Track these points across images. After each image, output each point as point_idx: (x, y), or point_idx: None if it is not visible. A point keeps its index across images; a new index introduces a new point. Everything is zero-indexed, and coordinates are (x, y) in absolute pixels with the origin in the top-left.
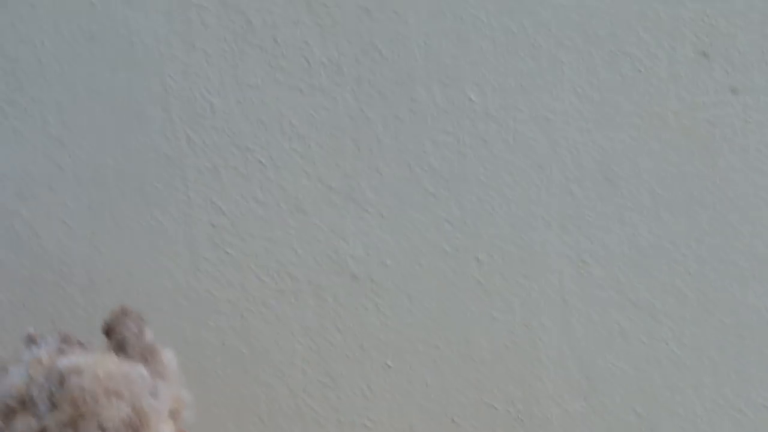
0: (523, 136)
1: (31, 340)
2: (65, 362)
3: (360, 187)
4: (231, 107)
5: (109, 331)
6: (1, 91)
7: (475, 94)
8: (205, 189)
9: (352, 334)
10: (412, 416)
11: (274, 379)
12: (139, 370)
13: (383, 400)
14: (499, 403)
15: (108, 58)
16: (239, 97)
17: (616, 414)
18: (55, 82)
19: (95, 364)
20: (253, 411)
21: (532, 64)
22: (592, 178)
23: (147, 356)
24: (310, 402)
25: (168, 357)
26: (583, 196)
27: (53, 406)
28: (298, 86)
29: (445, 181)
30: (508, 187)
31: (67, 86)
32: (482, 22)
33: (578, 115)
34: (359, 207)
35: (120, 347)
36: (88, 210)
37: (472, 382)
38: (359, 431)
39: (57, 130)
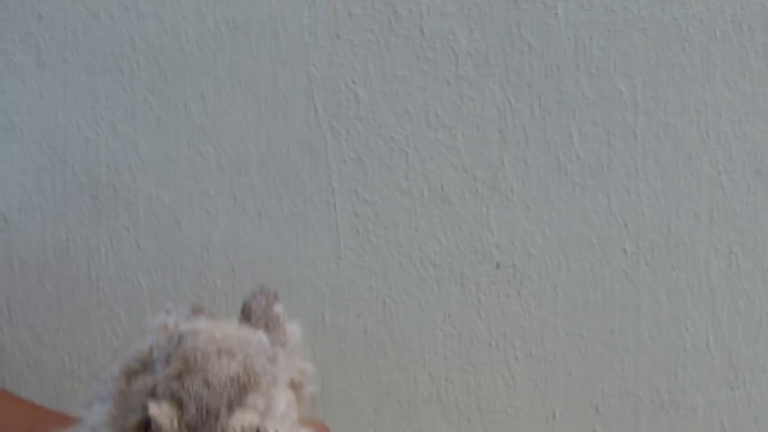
0: (672, 128)
1: (165, 312)
2: (187, 326)
3: (505, 177)
4: (376, 97)
5: (242, 308)
6: (144, 80)
7: (624, 85)
8: (348, 179)
9: (495, 323)
10: (554, 404)
11: (416, 366)
12: (259, 335)
13: (525, 388)
14: (643, 392)
15: (252, 48)
16: (384, 87)
17: (761, 403)
18: (198, 72)
19: (214, 327)
20: (394, 397)
21: (683, 57)
22: (742, 170)
23: (270, 325)
24: (451, 389)
25: (293, 329)
26: (733, 188)
27: (167, 364)
28: (444, 77)
29: (592, 172)
30: (657, 179)
31: (210, 75)
32: (633, 14)
33: (729, 108)
34: (504, 197)
35: (246, 317)
36: (231, 198)
37: (616, 371)
38: (500, 418)
39: (200, 119)
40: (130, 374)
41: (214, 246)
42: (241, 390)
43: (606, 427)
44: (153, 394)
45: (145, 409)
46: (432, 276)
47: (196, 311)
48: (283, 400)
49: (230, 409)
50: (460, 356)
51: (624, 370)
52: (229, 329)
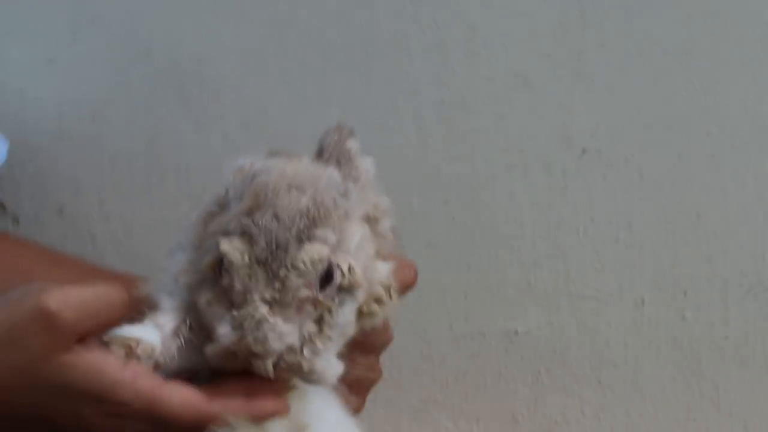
0: (755, 9)
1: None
2: (260, 164)
3: (588, 62)
4: None
5: (317, 146)
6: None
7: None
8: (431, 66)
9: (582, 208)
10: (642, 289)
11: (504, 253)
12: (330, 171)
13: (613, 273)
14: (731, 275)
15: None
16: None
17: None
18: None
19: (285, 165)
20: (483, 284)
21: None
22: None
23: (342, 160)
24: (540, 275)
25: (365, 164)
26: None
27: (240, 202)
28: None
29: (674, 56)
30: (741, 61)
31: None
32: None
33: None
34: (587, 82)
35: (319, 153)
36: (315, 88)
37: (704, 254)
38: (589, 304)
39: (284, 8)
40: (207, 218)
41: (300, 134)
42: (310, 223)
43: (695, 312)
44: (225, 232)
45: (218, 247)
46: (518, 162)
47: (272, 153)
48: (357, 234)
49: (299, 241)
50: (548, 243)
51: (711, 254)
52: (300, 165)
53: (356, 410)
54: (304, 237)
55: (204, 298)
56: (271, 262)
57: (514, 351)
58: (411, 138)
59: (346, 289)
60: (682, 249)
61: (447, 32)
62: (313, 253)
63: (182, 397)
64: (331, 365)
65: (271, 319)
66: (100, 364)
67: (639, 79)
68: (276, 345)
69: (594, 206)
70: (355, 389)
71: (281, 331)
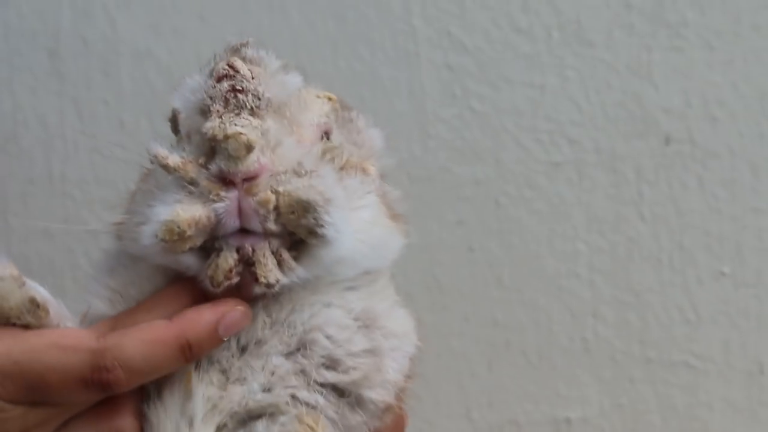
0: None
1: None
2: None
3: (675, 3)
4: None
5: None
6: None
7: None
8: (438, 14)
9: (665, 225)
10: (762, 353)
11: (549, 303)
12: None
13: (717, 328)
14: None
15: None
16: None
17: None
18: None
19: None
20: (514, 352)
21: None
22: None
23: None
24: (601, 332)
25: (373, 134)
26: None
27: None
28: None
29: None
30: None
31: None
32: None
33: None
34: (674, 33)
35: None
36: None
37: None
38: (678, 375)
39: None
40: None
41: None
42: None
43: None
44: None
45: None
46: (569, 158)
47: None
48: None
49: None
50: (609, 279)
51: None
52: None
53: None
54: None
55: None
56: None
57: None
58: (410, 128)
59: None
60: None
61: None
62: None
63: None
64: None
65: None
66: None
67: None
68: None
69: (683, 222)
70: None
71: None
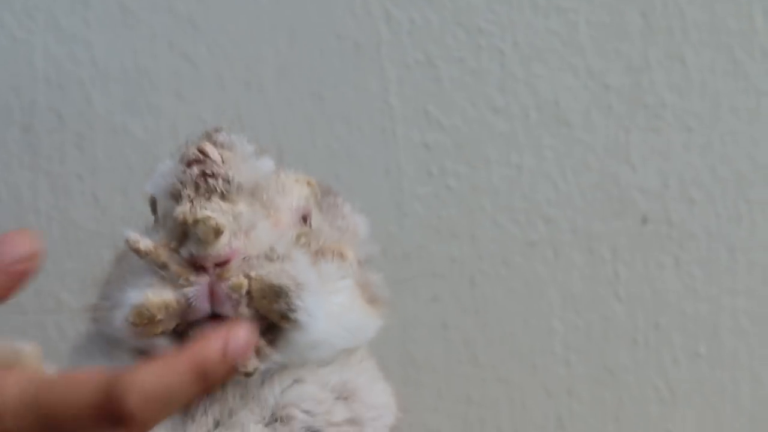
0: None
1: None
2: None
3: (653, 83)
4: None
5: None
6: None
7: None
8: (414, 89)
9: (640, 305)
10: None
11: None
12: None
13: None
14: None
15: None
16: None
17: None
18: None
19: None
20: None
21: None
22: None
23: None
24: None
25: (357, 220)
26: None
27: None
28: None
29: None
30: None
31: None
32: None
33: None
34: (652, 114)
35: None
36: None
37: None
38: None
39: None
40: None
41: None
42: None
43: None
44: None
45: None
46: (545, 237)
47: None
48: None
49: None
50: (584, 357)
51: None
52: None
53: None
54: None
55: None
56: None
57: None
58: (384, 202)
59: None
60: None
61: (436, 36)
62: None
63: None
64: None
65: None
66: None
67: (731, 109)
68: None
69: (658, 302)
70: None
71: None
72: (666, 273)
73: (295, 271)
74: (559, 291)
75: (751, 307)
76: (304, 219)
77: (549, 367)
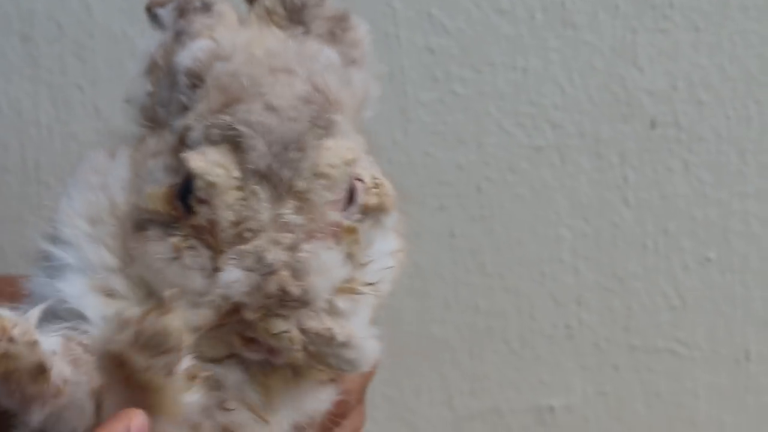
0: None
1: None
2: (207, 44)
3: None
4: None
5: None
6: None
7: None
8: None
9: (649, 209)
10: (747, 339)
11: (530, 287)
12: (325, 50)
13: (704, 315)
14: None
15: None
16: None
17: None
18: None
19: (247, 44)
20: (496, 339)
21: None
22: None
23: (335, 30)
24: (585, 318)
25: (362, 31)
26: None
27: (191, 101)
28: None
29: None
30: None
31: None
32: None
33: None
34: (659, 14)
35: (294, 16)
36: None
37: None
38: (662, 361)
39: None
40: (136, 142)
41: None
42: (322, 111)
43: None
44: (187, 144)
45: (174, 170)
46: (552, 142)
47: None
48: (361, 141)
49: (317, 137)
50: (593, 265)
51: None
52: (272, 40)
53: None
54: (321, 130)
55: (157, 248)
56: (278, 169)
57: None
58: (392, 114)
59: (374, 211)
60: None
61: None
62: (342, 151)
63: None
64: (367, 336)
65: (307, 246)
66: None
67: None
68: (321, 281)
69: (667, 208)
70: None
71: (326, 261)
72: (675, 177)
73: (350, 328)
74: (567, 197)
75: (761, 210)
76: (350, 196)
77: (557, 276)
